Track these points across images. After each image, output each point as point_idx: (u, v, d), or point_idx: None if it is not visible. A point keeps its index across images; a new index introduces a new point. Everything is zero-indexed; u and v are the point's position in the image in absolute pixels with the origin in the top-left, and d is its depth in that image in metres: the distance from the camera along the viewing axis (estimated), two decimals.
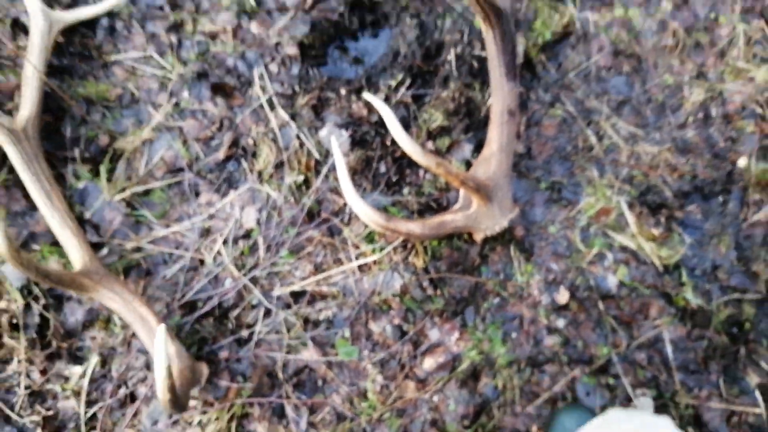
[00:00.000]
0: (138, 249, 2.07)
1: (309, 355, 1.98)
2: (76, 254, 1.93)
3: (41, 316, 1.99)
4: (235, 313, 2.03)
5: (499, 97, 1.95)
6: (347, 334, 2.01)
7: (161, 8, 2.29)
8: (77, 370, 1.99)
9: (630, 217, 2.14)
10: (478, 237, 2.03)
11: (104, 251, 2.05)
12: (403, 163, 2.14)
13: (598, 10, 2.34)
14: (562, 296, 2.05)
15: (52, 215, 1.95)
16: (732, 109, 2.27)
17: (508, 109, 1.95)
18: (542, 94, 2.27)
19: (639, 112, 2.28)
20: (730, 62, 2.31)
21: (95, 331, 2.02)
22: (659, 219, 2.14)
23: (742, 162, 2.22)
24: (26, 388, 1.99)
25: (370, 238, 2.06)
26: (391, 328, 2.00)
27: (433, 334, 2.00)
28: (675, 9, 2.34)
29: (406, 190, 2.10)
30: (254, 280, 2.05)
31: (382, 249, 2.04)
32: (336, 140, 1.96)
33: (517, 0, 2.28)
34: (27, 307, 1.99)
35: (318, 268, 2.05)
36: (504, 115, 1.95)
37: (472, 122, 2.17)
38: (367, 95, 1.80)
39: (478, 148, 2.11)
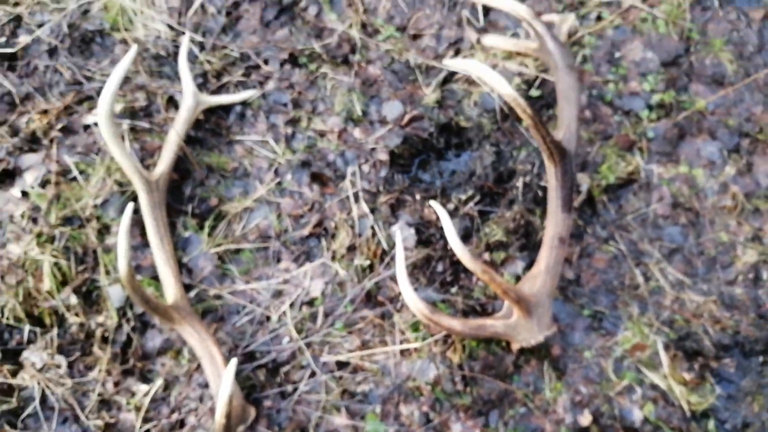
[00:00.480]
0: (219, 297, 2.52)
1: (340, 420, 2.27)
2: (171, 290, 2.40)
3: (128, 335, 2.45)
4: (285, 369, 2.39)
5: (553, 224, 2.30)
6: (378, 410, 2.29)
7: (285, 105, 2.88)
8: (143, 388, 2.40)
9: (664, 358, 2.34)
10: (515, 346, 2.30)
11: (192, 293, 2.51)
12: (460, 267, 2.49)
13: (663, 164, 2.68)
14: (586, 419, 2.24)
15: (160, 254, 2.45)
16: None
17: (559, 236, 2.28)
18: (599, 230, 2.58)
19: (689, 262, 2.53)
20: None
21: (166, 358, 2.44)
22: (693, 365, 2.32)
23: None
24: (99, 395, 2.41)
25: (415, 327, 2.39)
26: (419, 414, 2.27)
27: (456, 428, 2.25)
28: (738, 174, 2.63)
29: (456, 291, 2.44)
30: (308, 344, 2.41)
31: (424, 339, 2.36)
32: (401, 235, 2.35)
33: (587, 145, 2.66)
34: (119, 325, 2.45)
35: (365, 345, 2.39)
36: (555, 240, 2.28)
37: (528, 243, 2.50)
38: (433, 203, 2.21)
39: (529, 267, 2.42)
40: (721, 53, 2.81)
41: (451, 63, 2.56)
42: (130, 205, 2.13)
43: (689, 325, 2.41)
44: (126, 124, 2.74)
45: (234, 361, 1.90)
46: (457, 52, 2.87)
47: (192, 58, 2.94)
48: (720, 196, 2.60)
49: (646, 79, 2.75)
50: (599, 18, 2.88)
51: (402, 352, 2.36)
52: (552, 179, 2.26)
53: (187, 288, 2.52)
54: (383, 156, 2.70)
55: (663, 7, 2.86)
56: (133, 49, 2.41)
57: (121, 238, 2.05)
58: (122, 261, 2.05)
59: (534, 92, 2.73)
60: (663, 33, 2.82)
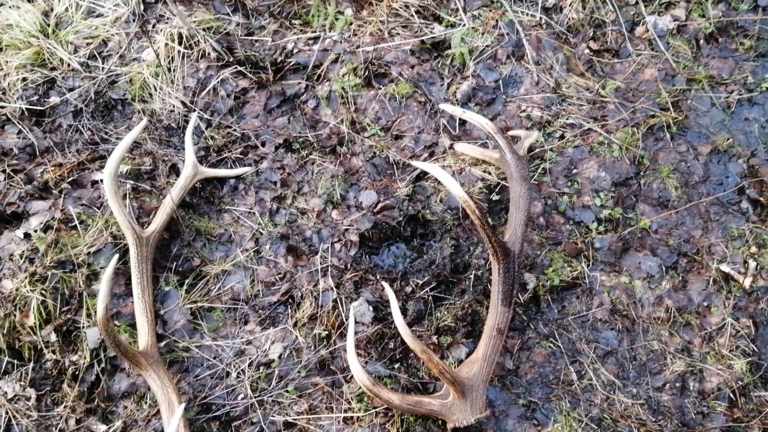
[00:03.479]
0: (187, 349, 2.70)
1: None
2: (144, 338, 2.59)
3: (97, 376, 2.61)
4: (237, 423, 2.53)
5: (493, 315, 2.50)
6: None
7: (274, 183, 3.17)
8: (102, 428, 2.54)
9: None
10: (449, 426, 2.44)
11: (163, 343, 2.69)
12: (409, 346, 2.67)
13: (606, 273, 2.90)
14: None
15: (139, 304, 2.66)
16: (708, 387, 2.62)
17: (498, 327, 2.48)
18: (541, 327, 2.77)
19: (622, 366, 2.70)
20: (715, 347, 2.71)
21: (129, 402, 2.59)
22: None
23: None
24: (60, 430, 2.55)
25: (361, 397, 2.55)
26: None
27: None
28: (673, 289, 2.84)
29: (403, 368, 2.61)
30: (261, 402, 2.57)
31: (367, 410, 2.51)
32: (353, 311, 2.56)
33: (537, 248, 2.90)
34: (90, 365, 2.63)
35: (312, 409, 2.54)
36: (493, 331, 2.48)
37: (473, 331, 2.70)
38: (384, 284, 2.43)
39: (471, 353, 2.60)
40: (668, 179, 3.10)
41: (417, 163, 2.85)
42: (116, 256, 2.36)
43: (616, 425, 2.55)
44: (130, 183, 3.02)
45: (182, 405, 2.06)
46: (431, 154, 3.17)
47: (198, 133, 3.27)
48: (655, 307, 2.80)
49: (597, 195, 3.02)
50: (562, 137, 3.20)
51: (345, 419, 2.50)
52: (495, 275, 2.49)
53: (160, 338, 2.70)
54: (354, 237, 2.95)
55: (619, 134, 3.18)
56: (143, 121, 2.74)
57: (103, 283, 2.27)
58: (101, 304, 2.26)
59: (494, 196, 3.01)
60: (617, 156, 3.12)
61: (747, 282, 2.80)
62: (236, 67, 3.44)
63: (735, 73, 3.41)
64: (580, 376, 2.64)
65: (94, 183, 3.03)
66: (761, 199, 2.99)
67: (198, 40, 3.42)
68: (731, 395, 2.58)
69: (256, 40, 3.61)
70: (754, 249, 2.88)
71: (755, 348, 2.67)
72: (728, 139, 3.19)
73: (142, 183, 3.05)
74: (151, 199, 3.03)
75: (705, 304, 2.79)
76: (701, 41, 3.50)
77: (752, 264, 2.84)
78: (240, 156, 3.22)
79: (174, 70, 3.39)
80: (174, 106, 3.33)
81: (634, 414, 2.56)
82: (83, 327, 2.65)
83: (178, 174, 3.12)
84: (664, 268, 2.88)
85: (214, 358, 2.67)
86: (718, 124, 3.27)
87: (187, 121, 3.24)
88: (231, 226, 3.01)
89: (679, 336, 2.73)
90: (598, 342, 2.72)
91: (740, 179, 3.08)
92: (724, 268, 2.84)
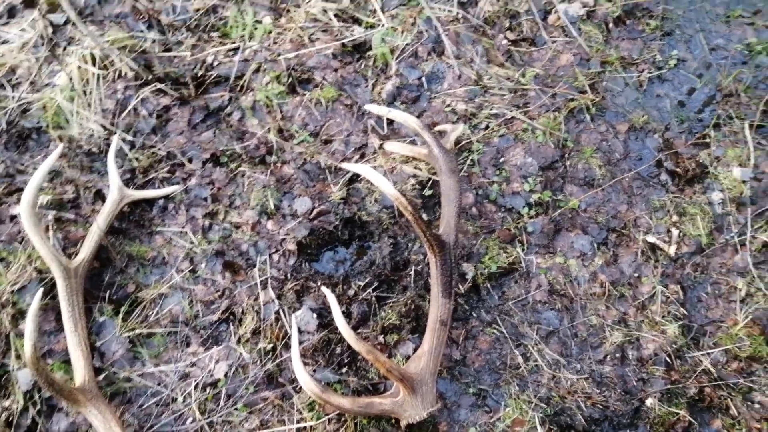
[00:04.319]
0: (128, 379, 2.61)
1: None
2: (80, 373, 2.48)
3: (33, 419, 2.49)
4: None
5: (435, 308, 2.52)
6: None
7: (205, 199, 3.09)
8: None
9: None
10: (403, 423, 2.44)
11: (102, 376, 2.59)
12: None
13: (542, 255, 2.96)
14: None
15: (72, 338, 2.55)
16: (646, 354, 2.72)
17: (440, 319, 2.50)
18: (483, 314, 2.81)
19: (564, 344, 2.76)
20: (649, 315, 2.81)
21: None
22: None
23: (649, 401, 2.61)
24: None
25: (312, 406, 2.52)
26: None
27: None
28: (605, 264, 2.93)
29: (351, 371, 2.59)
30: (210, 424, 2.50)
31: (319, 418, 2.48)
32: (296, 321, 2.53)
33: (472, 237, 2.94)
34: (25, 409, 2.50)
35: (264, 424, 2.50)
36: (436, 324, 2.49)
37: (418, 326, 2.71)
38: (324, 289, 2.41)
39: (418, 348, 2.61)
40: (591, 159, 3.20)
41: (347, 165, 2.84)
42: (40, 290, 2.26)
43: (564, 402, 2.61)
44: (52, 214, 2.90)
45: None
46: (362, 156, 3.17)
47: (122, 156, 3.16)
48: (590, 283, 2.88)
49: (526, 180, 3.09)
50: (487, 127, 3.26)
51: (299, 430, 2.47)
52: (433, 268, 2.50)
53: (98, 371, 2.60)
54: (292, 246, 2.91)
55: (541, 120, 3.26)
56: (59, 148, 2.63)
57: (28, 320, 2.16)
58: (28, 343, 2.16)
59: (427, 192, 3.03)
60: (541, 141, 3.20)
61: (672, 250, 2.92)
62: (156, 85, 3.35)
63: (644, 52, 3.55)
64: (525, 358, 2.69)
65: (13, 217, 2.89)
66: (678, 170, 3.12)
67: (113, 60, 3.31)
68: (667, 359, 2.68)
69: (175, 56, 3.52)
70: (675, 218, 3.01)
71: (685, 311, 2.79)
72: (643, 116, 3.31)
73: (66, 212, 2.93)
74: (77, 228, 2.91)
75: (636, 275, 2.89)
76: (610, 25, 3.63)
77: (675, 232, 2.96)
78: (167, 175, 3.14)
79: (90, 93, 3.27)
80: (93, 131, 3.22)
81: (580, 389, 2.63)
82: (13, 369, 2.52)
83: (103, 200, 3.01)
84: (595, 245, 2.97)
85: (158, 384, 2.59)
86: (632, 103, 3.40)
87: (108, 145, 3.13)
88: (164, 248, 2.93)
89: (615, 308, 2.81)
90: (539, 323, 2.78)
91: (657, 153, 3.21)
92: (650, 238, 2.95)
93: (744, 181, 3.04)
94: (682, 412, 2.54)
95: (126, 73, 3.34)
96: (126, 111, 3.29)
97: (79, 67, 3.27)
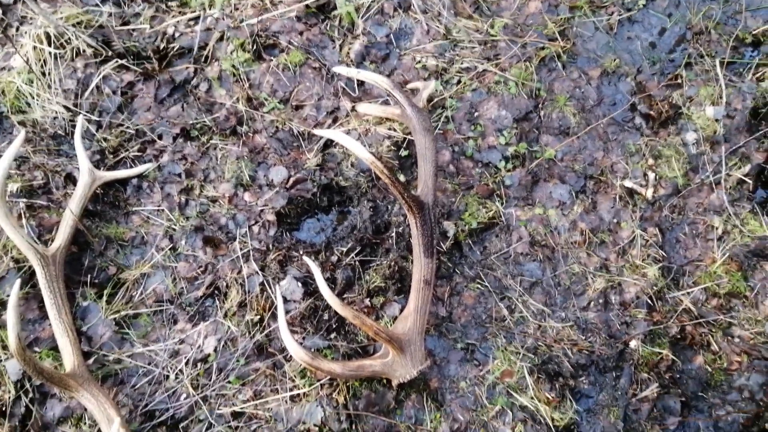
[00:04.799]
0: (118, 361, 2.62)
1: None
2: (69, 359, 2.48)
3: (26, 408, 2.50)
4: (184, 424, 2.49)
5: (418, 268, 2.54)
6: None
7: (179, 175, 3.06)
8: None
9: (530, 382, 2.58)
10: (394, 383, 2.50)
11: (91, 360, 2.60)
12: None
13: (521, 207, 2.99)
14: None
15: (58, 325, 2.54)
16: (628, 298, 2.78)
17: (424, 279, 2.53)
18: (467, 270, 2.84)
19: (548, 293, 2.81)
20: (629, 259, 2.86)
21: (67, 426, 2.50)
22: (555, 385, 2.57)
23: (633, 344, 2.68)
24: None
25: (304, 373, 2.56)
26: None
27: None
28: (584, 212, 2.97)
29: (340, 336, 2.63)
30: (205, 398, 2.54)
31: (311, 384, 2.53)
32: (280, 290, 2.54)
33: (451, 195, 2.95)
34: (17, 398, 2.51)
35: (257, 394, 2.54)
36: (420, 283, 2.52)
37: (403, 287, 2.74)
38: (305, 258, 2.42)
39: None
40: (565, 107, 3.20)
41: (320, 131, 2.81)
42: (18, 281, 2.24)
43: (551, 350, 2.67)
44: (23, 202, 2.85)
45: (117, 420, 2.01)
46: (335, 120, 3.14)
47: (89, 137, 3.10)
48: (571, 232, 2.92)
49: (501, 134, 3.09)
50: (459, 82, 3.23)
51: (292, 398, 2.51)
52: (414, 229, 2.52)
53: (87, 355, 2.61)
54: (271, 217, 2.90)
55: (513, 71, 3.24)
56: (22, 133, 2.57)
57: (9, 311, 2.15)
58: (11, 334, 2.15)
59: (403, 152, 3.02)
60: (514, 93, 3.19)
61: (649, 193, 2.96)
62: (117, 61, 3.26)
63: None
64: (510, 310, 2.75)
65: None
66: (651, 112, 3.14)
67: (69, 38, 3.21)
68: (649, 301, 2.75)
69: (134, 29, 3.42)
70: (651, 161, 3.04)
71: (664, 253, 2.84)
72: (615, 60, 3.30)
73: (37, 199, 2.89)
74: (51, 214, 2.87)
75: (615, 220, 2.93)
76: None
77: (651, 175, 2.99)
78: (138, 153, 3.09)
79: (49, 74, 3.18)
80: (57, 113, 3.14)
81: (566, 336, 2.69)
82: (1, 361, 2.51)
83: (75, 183, 2.96)
84: (573, 194, 3.00)
85: (149, 363, 2.61)
86: (604, 47, 3.39)
87: (74, 127, 3.06)
88: (142, 227, 2.91)
89: (596, 255, 2.86)
90: (522, 275, 2.82)
91: (630, 97, 3.21)
92: (627, 183, 2.98)
93: (717, 120, 3.07)
94: (665, 351, 2.62)
95: (84, 51, 3.24)
96: (89, 90, 3.21)
97: (35, 48, 3.17)
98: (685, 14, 3.42)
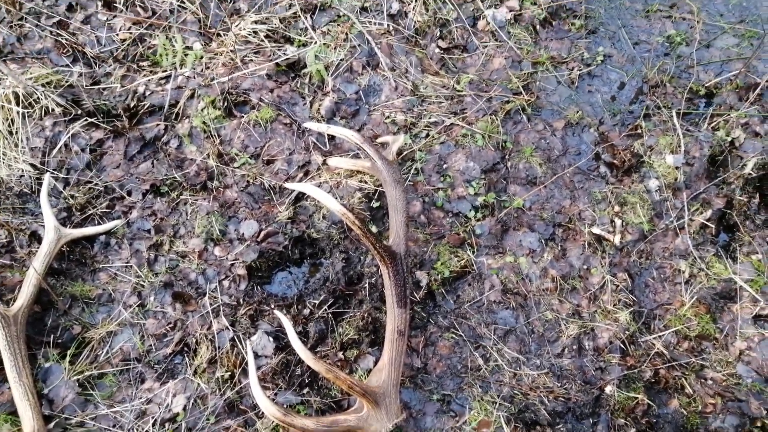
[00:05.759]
0: (81, 424, 2.54)
1: None
2: (28, 424, 2.41)
3: None
4: None
5: (391, 319, 2.55)
6: None
7: (148, 231, 3.06)
8: None
9: (507, 431, 2.57)
10: None
11: (52, 424, 2.52)
12: None
13: (492, 255, 3.05)
14: None
15: (18, 389, 2.48)
16: (601, 343, 2.82)
17: (398, 329, 2.54)
18: (441, 320, 2.86)
19: (522, 341, 2.84)
20: (601, 305, 2.92)
21: None
22: None
23: (609, 389, 2.70)
24: None
25: (276, 430, 2.51)
26: None
27: None
28: (554, 259, 3.03)
29: (313, 391, 2.60)
30: None
31: None
32: (251, 346, 2.53)
33: (423, 245, 3.00)
34: None
35: None
36: (394, 334, 2.53)
37: (377, 338, 2.74)
38: (276, 312, 2.42)
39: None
40: (531, 158, 3.32)
41: (291, 185, 2.87)
42: None
43: (527, 398, 2.68)
44: None
45: None
46: (306, 173, 3.21)
47: (56, 194, 3.10)
48: (542, 279, 2.98)
49: (470, 184, 3.18)
50: (428, 135, 3.34)
51: None
52: (386, 279, 2.55)
53: (48, 419, 2.53)
54: (242, 271, 2.91)
55: (480, 124, 3.37)
56: None
57: None
58: None
59: (375, 203, 3.08)
60: (481, 145, 3.30)
61: (617, 239, 3.05)
62: (87, 119, 3.31)
63: (572, 51, 3.72)
64: (485, 359, 2.76)
65: None
66: (615, 161, 3.27)
67: (38, 97, 3.25)
68: (622, 346, 2.79)
69: (104, 88, 3.49)
70: (617, 208, 3.15)
71: (634, 298, 2.91)
72: (578, 112, 3.46)
73: (0, 259, 2.85)
74: (13, 273, 2.84)
75: (585, 267, 3.00)
76: (537, 26, 3.78)
77: (618, 222, 3.10)
78: (106, 210, 3.10)
79: (16, 132, 3.20)
80: (23, 171, 3.15)
81: (542, 384, 2.71)
82: None
83: (39, 242, 2.95)
84: (543, 241, 3.07)
85: (114, 426, 2.54)
86: (566, 100, 3.55)
87: (40, 184, 3.07)
88: (109, 285, 2.88)
89: (568, 301, 2.91)
90: (496, 323, 2.85)
91: (594, 146, 3.35)
92: (595, 230, 3.07)
93: (677, 167, 3.21)
94: (641, 396, 2.65)
95: (53, 110, 3.28)
96: (56, 148, 3.24)
97: (2, 107, 3.20)
98: (641, 69, 3.62)
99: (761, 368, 2.69)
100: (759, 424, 2.56)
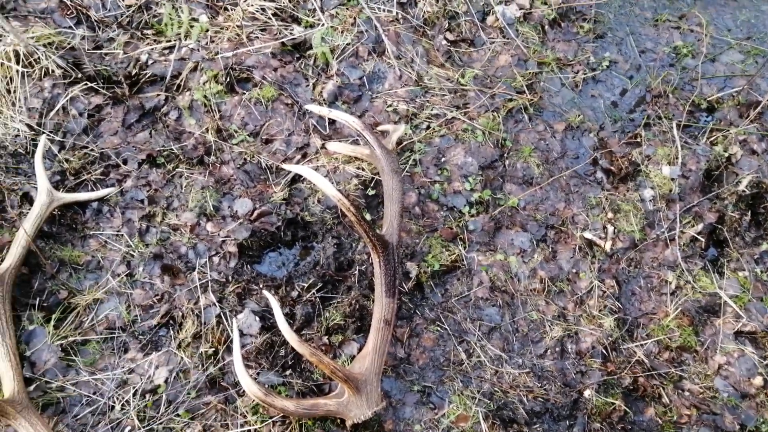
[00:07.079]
0: (62, 388, 2.55)
1: None
2: (9, 384, 2.42)
3: None
4: None
5: (379, 307, 2.58)
6: None
7: (142, 201, 3.06)
8: None
9: (484, 427, 2.61)
10: (348, 423, 2.49)
11: (32, 386, 2.53)
12: None
13: (483, 252, 3.08)
14: None
15: (0, 348, 2.48)
16: (584, 347, 2.86)
17: (384, 318, 2.56)
18: (427, 312, 2.89)
19: (506, 339, 2.88)
20: (587, 309, 2.96)
21: None
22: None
23: (587, 393, 2.75)
24: None
25: (256, 409, 2.54)
26: None
27: None
28: (544, 261, 3.07)
29: (296, 373, 2.62)
30: (150, 431, 2.49)
31: (263, 421, 2.51)
32: (237, 324, 2.54)
33: (416, 236, 3.03)
34: None
35: (207, 430, 2.50)
36: (380, 323, 2.55)
37: (363, 326, 2.77)
38: (265, 292, 2.44)
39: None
40: (530, 158, 3.34)
41: (288, 166, 2.87)
42: None
43: (507, 396, 2.72)
44: None
45: None
46: (304, 156, 3.21)
47: (51, 157, 3.09)
48: (530, 279, 3.01)
49: (467, 180, 3.20)
50: (428, 127, 3.35)
51: None
52: (377, 268, 2.57)
53: (29, 381, 2.54)
54: (233, 248, 2.92)
55: (481, 120, 3.38)
56: None
57: None
58: None
59: (370, 191, 3.10)
60: (481, 141, 3.32)
61: (607, 246, 3.09)
62: (86, 84, 3.29)
63: (579, 54, 3.74)
64: (468, 354, 2.79)
65: None
66: (612, 168, 3.30)
67: (39, 58, 3.23)
68: (604, 351, 2.83)
69: (106, 54, 3.47)
70: (610, 215, 3.18)
71: (620, 305, 2.95)
72: (579, 116, 3.48)
73: None
74: (3, 233, 2.83)
75: (574, 270, 3.04)
76: (546, 27, 3.79)
77: (610, 229, 3.13)
78: (101, 177, 3.09)
79: (14, 91, 3.18)
80: (19, 130, 3.13)
81: (522, 383, 2.75)
82: None
83: (31, 203, 2.94)
84: (534, 242, 3.10)
85: (94, 393, 2.55)
86: (569, 103, 3.57)
87: (35, 146, 3.05)
88: (98, 252, 2.88)
89: (554, 303, 2.95)
90: (482, 319, 2.88)
91: (593, 151, 3.38)
92: (587, 235, 3.11)
93: (673, 179, 3.24)
94: (618, 402, 2.69)
95: (53, 71, 3.26)
96: (54, 110, 3.21)
97: (2, 64, 3.18)
98: (645, 77, 3.64)
99: (738, 383, 2.74)
100: None
